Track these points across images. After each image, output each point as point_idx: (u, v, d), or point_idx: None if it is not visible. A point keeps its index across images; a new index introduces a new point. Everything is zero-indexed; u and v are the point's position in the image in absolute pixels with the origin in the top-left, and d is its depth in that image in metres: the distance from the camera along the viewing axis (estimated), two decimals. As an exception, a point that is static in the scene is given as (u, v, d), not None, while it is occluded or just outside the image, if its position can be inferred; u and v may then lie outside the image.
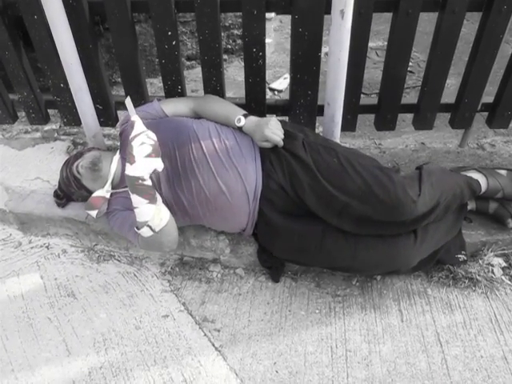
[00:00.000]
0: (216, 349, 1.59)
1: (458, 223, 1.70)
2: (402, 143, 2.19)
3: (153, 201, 1.44)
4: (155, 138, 1.44)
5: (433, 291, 1.72)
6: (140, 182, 1.41)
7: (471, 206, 1.77)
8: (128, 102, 1.50)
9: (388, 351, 1.55)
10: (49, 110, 2.14)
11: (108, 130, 2.26)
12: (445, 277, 1.75)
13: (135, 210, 1.46)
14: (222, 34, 2.84)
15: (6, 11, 1.80)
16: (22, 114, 2.19)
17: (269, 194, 1.56)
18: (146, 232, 1.47)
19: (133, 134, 1.42)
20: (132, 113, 1.49)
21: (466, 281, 1.73)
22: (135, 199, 1.43)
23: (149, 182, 1.43)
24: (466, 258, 1.70)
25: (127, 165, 1.41)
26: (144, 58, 2.65)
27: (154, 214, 1.44)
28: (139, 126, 1.45)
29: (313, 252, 1.57)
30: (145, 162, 1.39)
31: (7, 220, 2.00)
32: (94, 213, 1.65)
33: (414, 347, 1.56)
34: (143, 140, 1.41)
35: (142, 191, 1.42)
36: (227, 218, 1.60)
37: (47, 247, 1.95)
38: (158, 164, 1.42)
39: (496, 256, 1.75)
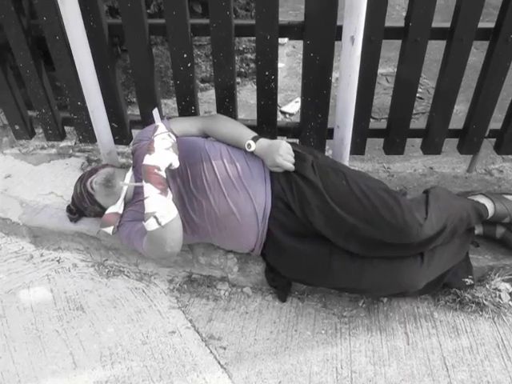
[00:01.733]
0: (221, 366, 1.59)
1: (465, 247, 1.71)
2: (411, 167, 2.21)
3: (164, 193, 1.49)
4: (175, 139, 1.58)
5: (439, 315, 1.72)
6: (156, 171, 1.48)
7: (478, 230, 1.78)
8: (155, 112, 1.63)
9: (393, 374, 1.55)
10: (65, 127, 2.20)
11: (122, 148, 2.31)
12: (452, 301, 1.75)
13: (145, 201, 1.48)
14: (236, 58, 2.91)
15: (30, 32, 1.88)
16: (39, 130, 2.25)
17: (278, 215, 1.59)
18: (151, 225, 1.47)
19: (156, 133, 1.56)
20: (158, 121, 1.62)
21: (473, 305, 1.72)
22: (148, 188, 1.48)
23: (163, 174, 1.50)
24: (472, 282, 1.70)
25: (146, 155, 1.51)
26: (159, 79, 2.72)
27: (162, 206, 1.47)
28: (162, 128, 1.59)
29: (320, 272, 1.58)
30: (164, 154, 1.51)
31: (20, 233, 2.04)
32: (109, 229, 1.68)
33: (420, 370, 1.56)
34: (164, 137, 1.56)
35: (156, 180, 1.48)
36: (236, 237, 1.62)
37: (58, 261, 1.98)
38: (175, 160, 1.53)
39: (503, 281, 1.74)
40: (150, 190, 1.48)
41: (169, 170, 1.63)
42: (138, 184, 1.61)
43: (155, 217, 1.46)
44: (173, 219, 1.48)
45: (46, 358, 1.63)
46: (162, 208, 1.47)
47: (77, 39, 1.69)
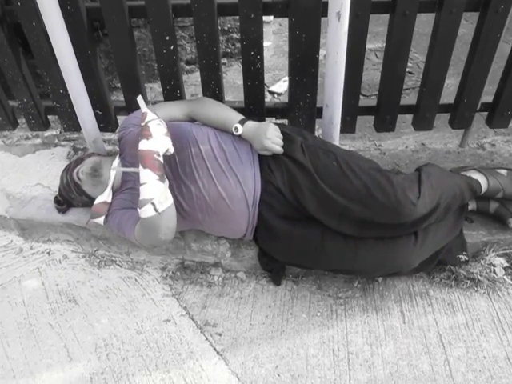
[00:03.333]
0: (218, 353, 1.58)
1: (458, 224, 1.70)
2: (402, 144, 2.19)
3: (162, 179, 1.45)
4: (165, 125, 1.55)
5: (435, 292, 1.72)
6: (154, 155, 1.45)
7: (472, 206, 1.77)
8: (140, 99, 1.57)
9: (390, 353, 1.55)
10: (49, 116, 2.15)
11: (108, 136, 2.27)
12: (446, 277, 1.74)
13: (141, 187, 1.44)
14: (222, 38, 2.85)
15: (5, 18, 1.81)
16: (22, 120, 2.20)
17: (268, 199, 1.56)
18: (148, 211, 1.42)
19: (147, 119, 1.51)
20: (144, 108, 1.56)
21: (468, 281, 1.72)
22: (146, 173, 1.43)
23: (162, 159, 1.47)
24: (467, 259, 1.70)
25: (143, 141, 1.47)
26: (143, 62, 2.66)
27: (160, 193, 1.43)
28: (152, 115, 1.54)
29: (313, 255, 1.56)
30: (162, 139, 1.48)
31: (8, 226, 2.00)
32: (100, 220, 1.65)
33: (417, 349, 1.56)
34: (159, 122, 1.52)
35: (154, 166, 1.44)
36: (227, 222, 1.59)
37: (48, 253, 1.95)
38: (171, 146, 1.50)
39: (498, 256, 1.74)
40: (148, 175, 1.43)
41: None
42: (130, 169, 1.58)
43: (153, 203, 1.42)
44: (169, 206, 1.45)
45: (41, 352, 1.62)
46: (159, 194, 1.43)
47: (54, 25, 1.63)
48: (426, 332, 1.60)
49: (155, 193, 1.43)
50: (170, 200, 1.47)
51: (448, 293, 1.71)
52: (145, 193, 1.44)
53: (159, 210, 1.42)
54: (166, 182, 1.48)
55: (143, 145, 1.46)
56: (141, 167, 1.45)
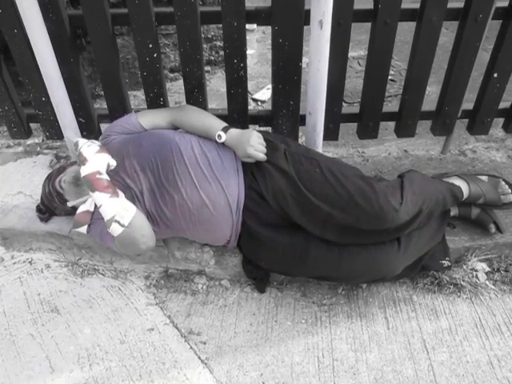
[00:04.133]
0: (202, 361, 1.57)
1: (441, 229, 1.72)
2: (385, 151, 2.21)
3: (115, 195, 1.48)
4: (99, 143, 1.59)
5: (418, 298, 1.73)
6: (97, 176, 1.47)
7: (454, 212, 1.79)
8: (78, 141, 1.58)
9: (375, 359, 1.55)
10: (31, 124, 2.12)
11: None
12: (430, 283, 1.76)
13: (100, 210, 1.47)
14: (205, 46, 2.85)
15: (-14, 26, 1.79)
16: (3, 128, 2.18)
17: (252, 206, 1.56)
18: (116, 229, 1.46)
19: (79, 146, 1.53)
20: (74, 140, 1.60)
21: (451, 286, 1.74)
22: (97, 196, 1.47)
23: (106, 176, 1.49)
24: (450, 264, 1.71)
25: (82, 167, 1.49)
26: (127, 70, 2.65)
27: (118, 208, 1.46)
28: (81, 141, 1.56)
29: (297, 262, 1.57)
30: (97, 157, 1.50)
31: (-11, 236, 1.97)
32: (83, 229, 1.63)
33: (401, 354, 1.56)
34: (89, 144, 1.54)
35: (102, 185, 1.47)
36: (210, 230, 1.59)
37: (30, 262, 1.93)
38: (110, 159, 1.52)
39: (480, 261, 1.76)
40: (100, 197, 1.47)
41: (138, 165, 1.59)
42: (82, 199, 1.62)
43: (116, 220, 1.45)
44: (134, 216, 1.47)
45: (22, 364, 1.59)
46: (119, 209, 1.46)
47: (36, 32, 1.62)
48: (410, 337, 1.61)
49: (114, 210, 1.46)
50: (133, 210, 1.48)
51: (431, 298, 1.73)
52: (105, 214, 1.47)
53: (125, 223, 1.45)
54: (121, 194, 1.51)
55: (83, 171, 1.49)
56: (90, 193, 1.48)
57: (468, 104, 1.97)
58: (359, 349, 1.58)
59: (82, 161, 1.50)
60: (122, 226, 1.44)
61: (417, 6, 1.69)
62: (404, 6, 1.67)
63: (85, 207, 1.65)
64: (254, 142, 1.55)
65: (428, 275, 1.76)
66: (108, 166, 1.52)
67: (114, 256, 1.87)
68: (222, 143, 1.61)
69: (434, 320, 1.66)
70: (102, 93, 1.95)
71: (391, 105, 2.57)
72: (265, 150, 1.57)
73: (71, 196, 1.69)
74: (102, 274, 1.88)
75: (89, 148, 1.52)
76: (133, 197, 1.58)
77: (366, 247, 1.53)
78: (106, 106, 1.97)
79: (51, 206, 1.78)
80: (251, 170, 1.58)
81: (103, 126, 2.01)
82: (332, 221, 1.50)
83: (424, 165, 2.09)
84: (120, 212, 1.45)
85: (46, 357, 1.60)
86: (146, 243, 1.50)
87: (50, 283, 1.84)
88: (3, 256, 1.95)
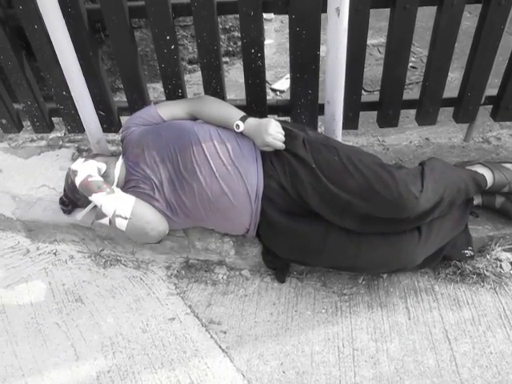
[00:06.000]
0: (223, 350, 1.59)
1: (463, 218, 1.68)
2: (406, 139, 2.17)
3: (111, 192, 1.56)
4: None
5: (440, 288, 1.71)
6: (89, 179, 1.56)
7: (477, 200, 1.75)
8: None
9: (395, 349, 1.54)
10: (53, 118, 2.16)
11: (112, 136, 2.28)
12: (452, 273, 1.73)
13: (102, 210, 1.55)
14: (223, 37, 2.85)
15: (8, 22, 1.83)
16: (27, 123, 2.22)
17: (270, 194, 1.56)
18: (121, 224, 1.54)
19: (73, 168, 1.63)
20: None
21: (474, 276, 1.70)
22: (95, 198, 1.56)
23: (98, 178, 1.59)
24: (473, 254, 1.68)
25: (75, 180, 1.59)
26: (146, 63, 2.67)
27: (116, 203, 1.54)
28: (73, 165, 1.66)
29: (316, 252, 1.56)
30: (84, 165, 1.61)
31: (15, 228, 2.02)
32: (106, 220, 1.66)
33: (422, 345, 1.55)
34: (76, 159, 1.71)
35: (96, 185, 1.56)
36: (230, 218, 1.60)
37: (55, 253, 1.97)
38: (98, 164, 1.63)
39: (504, 251, 1.72)
40: (97, 198, 1.55)
41: (158, 155, 1.61)
42: (86, 210, 1.67)
43: (118, 215, 1.53)
44: (133, 206, 1.54)
45: (48, 351, 1.63)
46: (117, 203, 1.53)
47: (55, 27, 1.64)
48: (432, 328, 1.59)
49: (113, 205, 1.54)
50: (131, 200, 1.56)
51: (454, 288, 1.70)
52: (107, 211, 1.56)
53: (127, 215, 1.53)
54: (117, 190, 1.60)
55: (77, 181, 1.59)
56: (89, 198, 1.58)
57: (492, 90, 1.92)
58: (380, 339, 1.57)
59: (73, 175, 1.60)
60: (125, 218, 1.52)
61: (438, -11, 1.65)
62: (424, -10, 1.63)
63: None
64: (272, 131, 1.54)
65: (450, 265, 1.74)
66: (98, 169, 1.62)
67: (135, 247, 1.90)
68: (241, 133, 1.61)
69: (457, 310, 1.63)
70: (122, 86, 1.97)
71: (412, 92, 2.53)
72: (283, 138, 1.56)
73: None
74: (124, 265, 1.91)
75: (76, 162, 1.64)
76: (153, 187, 1.60)
77: (385, 236, 1.51)
78: (125, 99, 1.99)
79: (74, 197, 1.81)
80: (270, 158, 1.58)
81: (123, 119, 2.04)
82: (351, 209, 1.49)
83: (446, 153, 2.05)
84: (119, 206, 1.53)
85: (71, 345, 1.64)
86: (154, 229, 1.57)
87: (73, 274, 1.88)
88: (29, 247, 2.00)
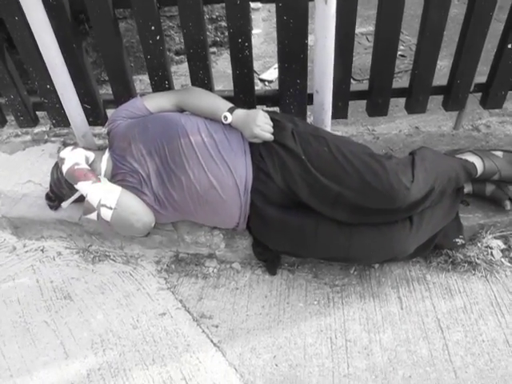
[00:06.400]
0: (215, 345, 1.57)
1: (454, 207, 1.68)
2: (396, 128, 2.16)
3: (97, 181, 1.55)
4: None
5: (432, 277, 1.70)
6: (76, 167, 1.56)
7: (468, 189, 1.75)
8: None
9: (388, 340, 1.54)
10: (38, 112, 2.12)
11: (98, 130, 2.24)
12: (444, 262, 1.73)
13: (87, 198, 1.54)
14: (210, 27, 2.81)
15: (-13, 14, 1.78)
16: (10, 117, 2.17)
17: (260, 187, 1.54)
18: (106, 213, 1.52)
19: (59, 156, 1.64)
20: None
21: (466, 265, 1.70)
22: (81, 186, 1.54)
23: (85, 166, 1.58)
24: (464, 242, 1.68)
25: (61, 167, 1.59)
26: (132, 54, 2.63)
27: (102, 191, 1.52)
28: (64, 151, 1.66)
29: (307, 243, 1.55)
30: (72, 153, 1.62)
31: (0, 225, 1.98)
32: (94, 215, 1.62)
33: (415, 334, 1.54)
34: (63, 148, 1.69)
35: (82, 173, 1.55)
36: (219, 212, 1.57)
37: (42, 250, 1.94)
38: (87, 152, 1.64)
39: (495, 238, 1.72)
40: (83, 186, 1.54)
41: (145, 148, 1.58)
42: (72, 198, 1.67)
43: (102, 204, 1.51)
44: (119, 196, 1.52)
45: (37, 350, 1.60)
46: (102, 193, 1.52)
47: (36, 19, 1.60)
48: (424, 317, 1.59)
49: (98, 194, 1.52)
50: (117, 190, 1.54)
51: (445, 277, 1.70)
52: (92, 201, 1.53)
53: (112, 205, 1.51)
54: (103, 179, 1.59)
55: (63, 169, 1.58)
56: (75, 186, 1.56)
57: (481, 77, 1.91)
58: (372, 329, 1.57)
59: (60, 162, 1.60)
60: (110, 208, 1.50)
61: (426, -24, 1.64)
62: (412, -24, 1.61)
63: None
64: (260, 122, 1.52)
65: (442, 254, 1.73)
66: (86, 158, 1.61)
67: (124, 242, 1.87)
68: (229, 124, 1.59)
69: (449, 299, 1.63)
70: (107, 78, 1.93)
71: (401, 81, 2.52)
72: (271, 129, 1.54)
73: None
74: (113, 260, 1.88)
75: (64, 150, 1.64)
76: (140, 181, 1.58)
77: (377, 227, 1.50)
78: (111, 92, 1.95)
79: (60, 192, 1.77)
80: (259, 150, 1.56)
81: (109, 112, 2.00)
82: (342, 200, 1.47)
83: (436, 141, 2.04)
84: (104, 195, 1.51)
85: (60, 343, 1.62)
86: (139, 220, 1.54)
87: (62, 270, 1.85)
88: (15, 245, 1.97)
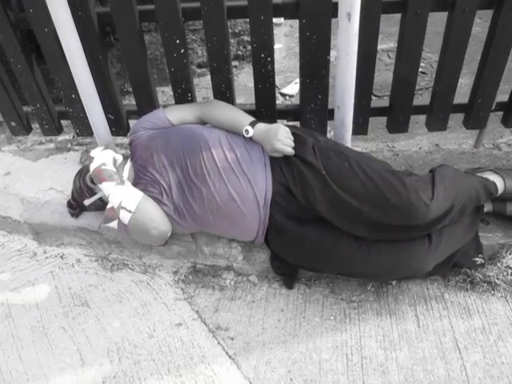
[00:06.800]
0: (230, 357, 1.57)
1: (474, 226, 1.67)
2: (416, 145, 2.16)
3: (121, 183, 1.58)
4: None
5: (450, 296, 1.69)
6: (102, 167, 1.60)
7: (488, 207, 1.73)
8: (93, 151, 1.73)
9: (405, 358, 1.52)
10: (62, 121, 2.16)
11: (120, 140, 2.27)
12: (462, 281, 1.71)
13: (109, 199, 1.58)
14: (233, 41, 2.84)
15: (18, 25, 1.83)
16: (36, 125, 2.22)
17: (279, 200, 1.55)
18: (124, 216, 1.54)
19: (90, 154, 1.69)
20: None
21: (485, 284, 1.68)
22: (105, 186, 1.58)
23: (112, 168, 1.62)
24: (483, 261, 1.66)
25: (90, 165, 1.64)
26: (155, 66, 2.67)
27: (124, 194, 1.55)
28: (92, 152, 1.71)
29: (325, 258, 1.55)
30: (102, 153, 1.66)
31: (22, 230, 2.02)
32: (114, 224, 1.65)
33: (432, 354, 1.53)
34: (95, 148, 1.73)
35: (108, 174, 1.59)
36: (238, 224, 1.58)
37: (61, 257, 1.97)
38: (115, 154, 1.68)
39: (515, 258, 1.70)
40: (107, 186, 1.58)
41: (166, 159, 1.60)
42: (96, 196, 1.68)
43: (123, 207, 1.53)
44: (140, 201, 1.54)
45: (54, 356, 1.62)
46: (124, 195, 1.54)
47: (65, 31, 1.64)
48: (442, 336, 1.57)
49: (120, 196, 1.55)
50: (139, 195, 1.56)
51: (464, 296, 1.68)
52: (113, 201, 1.57)
53: (131, 209, 1.53)
54: (127, 182, 1.62)
55: (91, 167, 1.63)
56: (99, 185, 1.60)
57: (503, 96, 1.90)
58: (389, 347, 1.56)
59: (89, 160, 1.66)
60: (129, 211, 1.52)
61: (449, -5, 1.64)
62: (435, -5, 1.62)
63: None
64: (281, 137, 1.53)
65: (460, 272, 1.72)
66: (114, 160, 1.65)
67: (142, 251, 1.89)
68: (250, 138, 1.60)
69: (467, 319, 1.61)
70: (131, 89, 1.97)
71: (422, 98, 2.51)
72: (292, 144, 1.55)
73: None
74: (131, 269, 1.90)
75: (94, 150, 1.70)
76: (161, 191, 1.60)
77: (395, 243, 1.50)
78: (134, 103, 1.99)
79: (81, 200, 1.80)
80: (279, 164, 1.57)
81: (132, 122, 2.03)
82: (361, 216, 1.47)
83: (456, 159, 2.03)
84: (126, 198, 1.54)
85: (77, 349, 1.63)
86: (156, 228, 1.55)
87: (80, 277, 1.88)
88: (36, 250, 2.00)
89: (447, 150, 2.11)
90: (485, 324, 1.59)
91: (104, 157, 1.64)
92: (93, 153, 1.68)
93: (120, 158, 1.69)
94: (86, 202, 1.70)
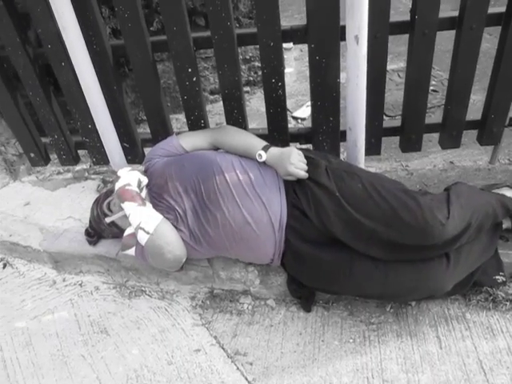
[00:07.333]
0: (249, 382, 1.56)
1: (493, 243, 1.64)
2: (430, 163, 2.15)
3: (142, 204, 1.61)
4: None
5: (472, 315, 1.65)
6: (127, 187, 1.63)
7: (506, 224, 1.71)
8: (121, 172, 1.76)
9: (427, 381, 1.49)
10: (79, 151, 2.21)
11: (136, 168, 2.31)
12: (484, 300, 1.67)
13: (129, 219, 1.60)
14: (244, 67, 2.89)
15: (37, 60, 1.90)
16: (54, 156, 2.27)
17: (294, 223, 1.55)
18: (142, 237, 1.56)
19: (118, 174, 1.72)
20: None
21: (508, 303, 1.64)
22: (127, 206, 1.60)
23: (136, 189, 1.65)
24: (504, 279, 1.63)
25: (115, 185, 1.67)
26: (168, 94, 2.72)
27: (144, 215, 1.58)
28: (120, 171, 1.74)
29: (342, 280, 1.54)
30: (128, 174, 1.69)
31: (42, 259, 2.05)
32: (132, 251, 1.67)
33: (456, 376, 1.49)
34: (123, 168, 1.76)
35: (131, 195, 1.61)
36: (253, 248, 1.59)
37: (80, 285, 1.98)
38: (141, 176, 1.70)
39: (537, 276, 1.67)
40: (129, 206, 1.60)
41: (181, 186, 1.62)
42: (118, 215, 1.68)
43: (141, 228, 1.55)
44: (158, 224, 1.56)
45: (74, 384, 1.63)
46: (144, 216, 1.56)
47: (81, 64, 1.70)
48: (465, 358, 1.53)
49: (139, 217, 1.57)
50: (158, 218, 1.58)
51: (486, 316, 1.64)
52: (133, 221, 1.59)
53: (149, 230, 1.55)
54: (148, 204, 1.64)
55: (116, 186, 1.67)
56: (121, 205, 1.62)
57: (516, 111, 1.90)
58: (410, 369, 1.52)
59: (116, 180, 1.69)
60: (147, 233, 1.54)
61: (456, 13, 1.66)
62: (442, 14, 1.63)
63: (132, 229, 1.69)
64: (294, 160, 1.54)
65: (481, 291, 1.68)
66: (139, 181, 1.67)
67: (160, 277, 1.90)
68: (263, 162, 1.62)
69: (491, 339, 1.57)
70: (145, 117, 2.01)
71: (434, 116, 2.51)
72: (305, 167, 1.56)
73: (119, 218, 1.73)
74: (149, 295, 1.90)
75: (122, 169, 1.73)
76: (176, 217, 1.61)
77: (412, 264, 1.48)
78: (149, 131, 2.03)
79: (99, 228, 1.83)
80: (293, 187, 1.58)
81: (147, 150, 2.07)
82: (376, 237, 1.46)
83: (472, 176, 2.01)
84: (145, 219, 1.56)
85: (96, 377, 1.63)
86: (171, 252, 1.56)
87: (99, 305, 1.89)
88: (55, 279, 2.02)
89: (462, 167, 2.09)
90: (510, 344, 1.55)
91: (130, 177, 1.67)
92: (120, 172, 1.71)
93: (145, 181, 1.70)
94: (107, 220, 1.71)
